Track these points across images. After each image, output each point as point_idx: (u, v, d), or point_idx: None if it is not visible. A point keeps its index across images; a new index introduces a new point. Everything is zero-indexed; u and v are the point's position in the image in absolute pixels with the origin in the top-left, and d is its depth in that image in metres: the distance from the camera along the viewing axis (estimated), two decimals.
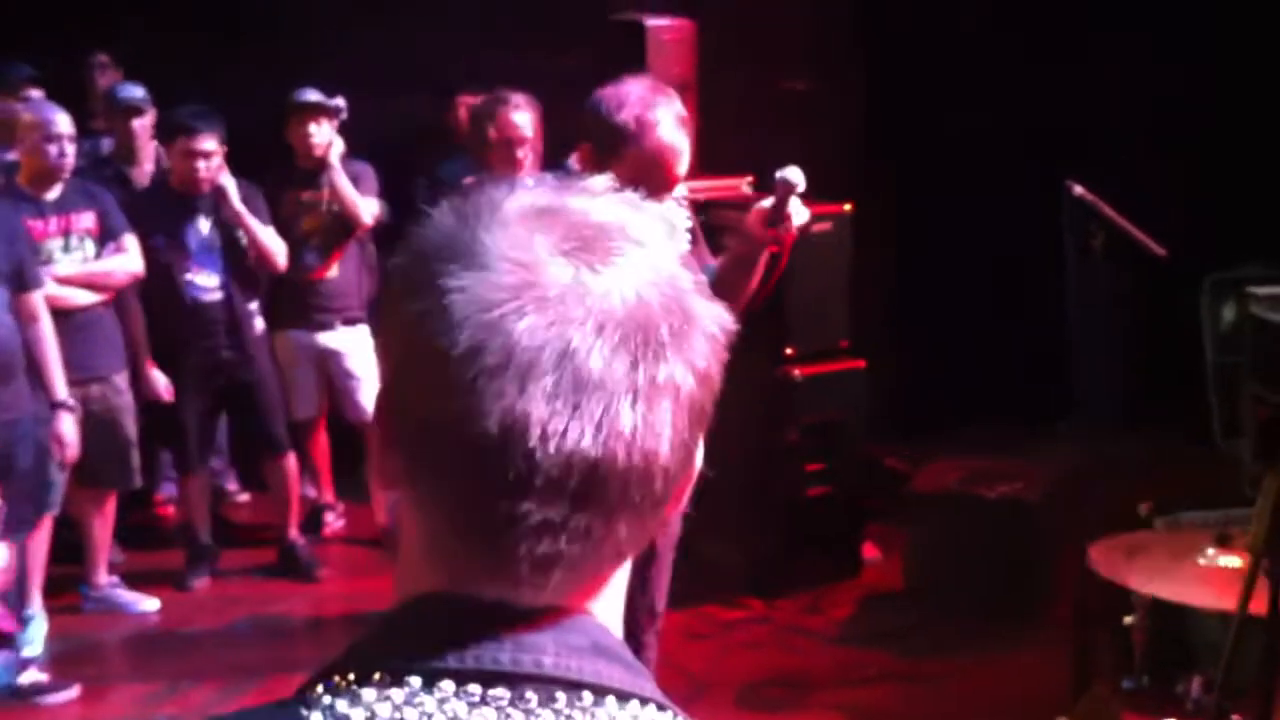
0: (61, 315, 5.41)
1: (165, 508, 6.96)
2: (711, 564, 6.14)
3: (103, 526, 5.86)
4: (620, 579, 1.02)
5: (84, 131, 6.12)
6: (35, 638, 5.41)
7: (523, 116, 5.38)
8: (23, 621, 5.38)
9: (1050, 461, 5.95)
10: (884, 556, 6.25)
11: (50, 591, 5.59)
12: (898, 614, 5.77)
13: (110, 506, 5.85)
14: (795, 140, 7.02)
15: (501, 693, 0.93)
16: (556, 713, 0.93)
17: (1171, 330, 6.96)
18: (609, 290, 0.92)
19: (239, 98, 6.37)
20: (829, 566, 6.10)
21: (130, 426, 5.72)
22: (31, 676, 5.23)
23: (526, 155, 5.32)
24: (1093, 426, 4.55)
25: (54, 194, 5.48)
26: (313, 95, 6.27)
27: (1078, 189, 4.15)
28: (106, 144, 6.51)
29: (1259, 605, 2.63)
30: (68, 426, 5.16)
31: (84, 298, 5.48)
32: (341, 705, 0.93)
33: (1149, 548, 3.33)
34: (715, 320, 0.97)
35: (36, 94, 6.15)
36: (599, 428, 0.91)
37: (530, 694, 0.93)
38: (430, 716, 0.91)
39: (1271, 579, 2.61)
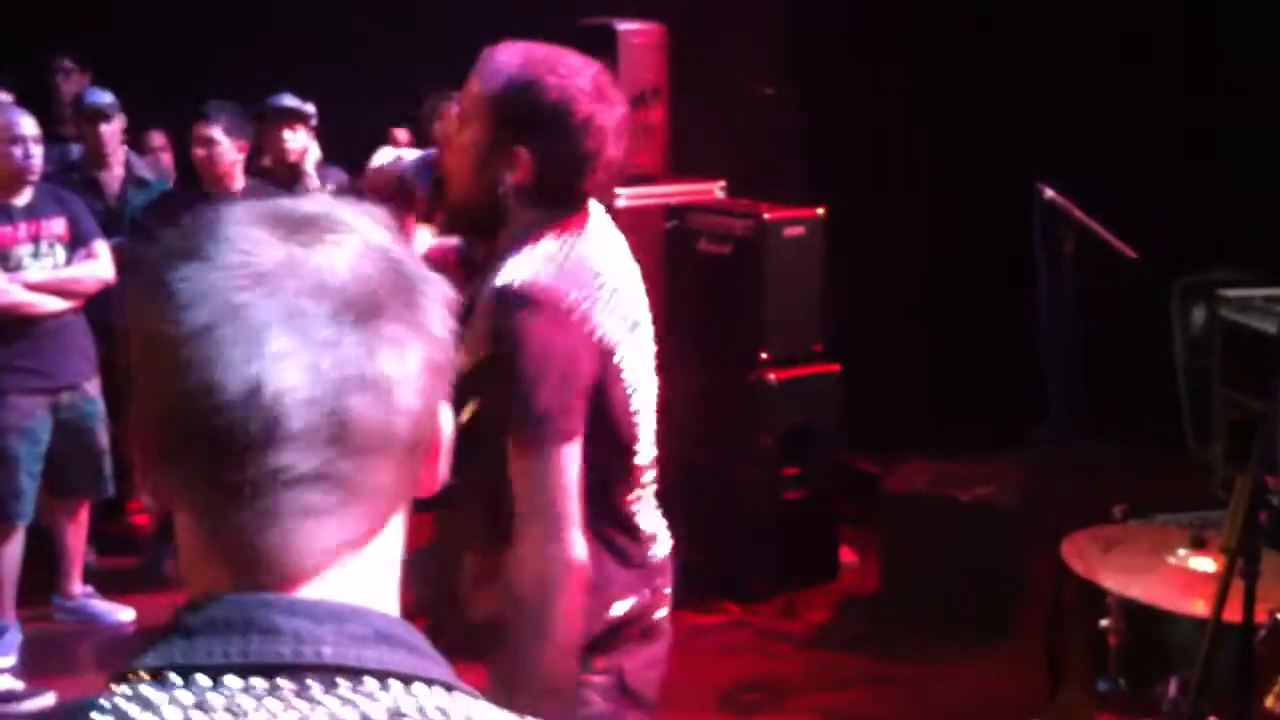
0: (31, 322, 5.38)
1: (140, 516, 6.92)
2: (687, 569, 6.13)
3: (76, 536, 5.81)
4: (391, 544, 1.07)
5: (52, 138, 6.08)
6: (8, 648, 5.38)
7: None
8: None
9: (1023, 464, 5.97)
10: (860, 560, 6.26)
11: (22, 602, 5.57)
12: (874, 617, 5.78)
13: (83, 516, 5.80)
14: (767, 144, 7.06)
15: (285, 684, 0.96)
16: (340, 699, 0.96)
17: (1143, 334, 6.99)
18: (320, 264, 1.00)
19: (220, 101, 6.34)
20: (805, 570, 6.10)
21: (102, 434, 5.67)
22: (5, 683, 5.20)
23: None
24: (1065, 430, 4.55)
25: (23, 199, 5.43)
26: (289, 101, 6.24)
27: (1049, 192, 4.16)
28: (75, 150, 6.47)
29: (1234, 607, 2.64)
30: None
31: (54, 304, 5.44)
32: (132, 709, 0.96)
33: (1123, 545, 3.33)
34: (436, 285, 1.07)
35: (3, 97, 6.12)
36: (333, 380, 0.99)
37: (312, 683, 0.97)
38: (216, 713, 0.95)
39: (1246, 580, 2.63)
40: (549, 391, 2.32)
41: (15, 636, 5.44)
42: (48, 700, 5.18)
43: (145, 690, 0.97)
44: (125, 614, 5.88)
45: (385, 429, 1.01)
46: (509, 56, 2.48)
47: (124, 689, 0.97)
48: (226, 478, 0.98)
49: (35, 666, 5.38)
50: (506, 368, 2.31)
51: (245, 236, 1.01)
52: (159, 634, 1.00)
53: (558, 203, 2.47)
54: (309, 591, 1.01)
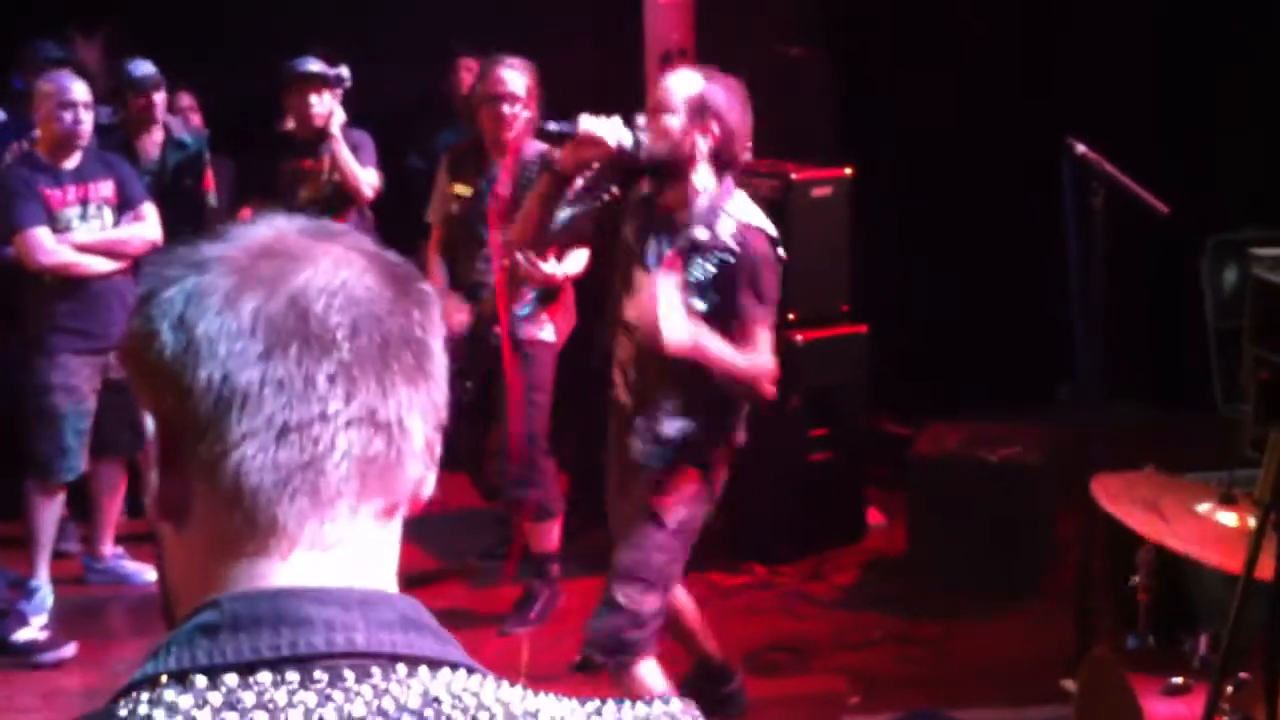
0: (79, 284, 5.43)
1: None
2: (714, 530, 6.13)
3: (111, 499, 5.86)
4: (397, 532, 1.05)
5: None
6: (39, 608, 5.42)
7: (512, 74, 5.31)
8: (29, 592, 5.39)
9: (1051, 425, 5.95)
10: (886, 521, 6.26)
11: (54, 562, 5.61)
12: (900, 578, 5.78)
13: (120, 481, 5.86)
14: (794, 105, 7.01)
15: (320, 675, 0.94)
16: (374, 688, 0.94)
17: (1173, 292, 6.94)
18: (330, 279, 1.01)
19: (237, 64, 6.33)
20: (831, 532, 6.10)
21: None
22: (27, 635, 5.24)
23: (515, 114, 5.27)
24: (1093, 390, 4.53)
25: (72, 163, 5.48)
26: (313, 65, 6.17)
27: (1079, 147, 4.12)
28: (105, 114, 6.45)
29: (1265, 562, 2.62)
30: None
31: (102, 265, 5.46)
32: (158, 714, 0.92)
33: (1152, 495, 3.29)
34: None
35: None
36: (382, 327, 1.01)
37: (348, 672, 0.94)
38: (249, 711, 0.91)
39: (1279, 534, 2.61)
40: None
41: (47, 596, 5.48)
42: (68, 652, 5.22)
43: (169, 695, 0.92)
44: (154, 575, 5.91)
45: (427, 395, 1.02)
46: (695, 76, 4.19)
47: (144, 695, 0.93)
48: (281, 418, 0.97)
49: (66, 627, 5.41)
50: (753, 271, 4.00)
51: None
52: (176, 636, 0.96)
53: (729, 166, 4.09)
54: (331, 568, 0.99)
